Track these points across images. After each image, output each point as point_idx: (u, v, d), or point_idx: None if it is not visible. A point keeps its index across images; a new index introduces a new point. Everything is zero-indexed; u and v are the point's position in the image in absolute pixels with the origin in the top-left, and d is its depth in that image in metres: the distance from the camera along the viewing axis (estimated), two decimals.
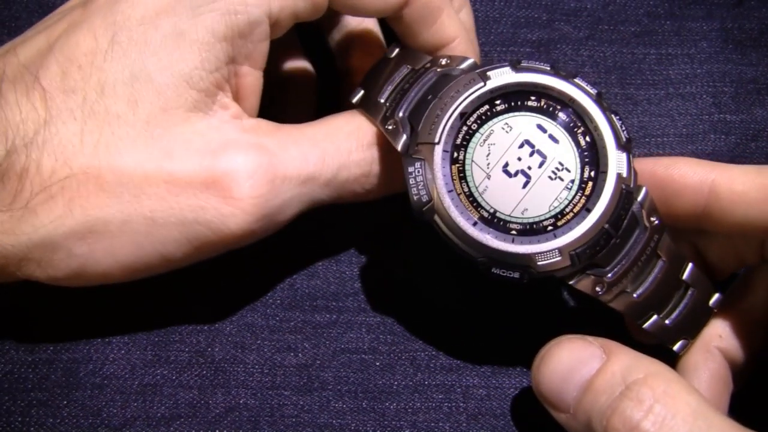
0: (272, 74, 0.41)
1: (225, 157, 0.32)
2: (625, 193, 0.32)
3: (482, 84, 0.33)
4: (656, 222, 0.33)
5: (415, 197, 0.33)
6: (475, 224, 0.33)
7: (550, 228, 0.33)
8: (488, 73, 0.33)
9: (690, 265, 0.34)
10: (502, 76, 0.33)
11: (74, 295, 0.37)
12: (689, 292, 0.35)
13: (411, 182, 0.33)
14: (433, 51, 0.37)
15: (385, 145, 0.35)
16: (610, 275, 0.33)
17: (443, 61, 0.35)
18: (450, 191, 0.33)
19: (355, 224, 0.40)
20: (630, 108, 0.43)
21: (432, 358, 0.38)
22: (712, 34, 0.45)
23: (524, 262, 0.32)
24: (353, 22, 0.41)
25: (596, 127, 0.33)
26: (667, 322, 0.34)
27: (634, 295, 0.34)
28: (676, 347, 0.35)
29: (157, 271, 0.33)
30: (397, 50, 0.37)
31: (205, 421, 0.36)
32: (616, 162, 0.32)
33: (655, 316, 0.34)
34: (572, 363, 0.32)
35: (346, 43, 0.41)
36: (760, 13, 0.45)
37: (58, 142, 0.31)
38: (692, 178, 0.33)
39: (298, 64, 0.42)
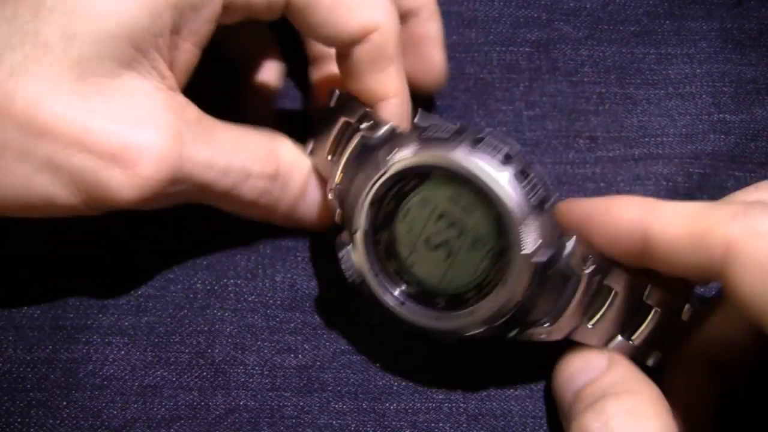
0: (239, 61, 0.42)
1: (141, 129, 0.31)
2: (535, 264, 0.31)
3: (384, 171, 0.32)
4: (591, 268, 0.32)
5: (348, 279, 0.34)
6: (402, 304, 0.34)
7: (471, 300, 0.33)
8: (389, 158, 0.32)
9: (648, 287, 0.33)
10: (401, 162, 0.32)
11: (74, 295, 0.38)
12: (653, 312, 0.33)
13: (342, 266, 0.34)
14: (370, 101, 0.36)
15: (284, 183, 0.36)
16: (547, 324, 0.32)
17: (364, 125, 0.35)
18: (376, 275, 0.34)
19: None
20: (629, 108, 0.43)
21: (432, 359, 0.38)
22: (712, 33, 0.45)
23: (453, 333, 0.33)
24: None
25: (495, 201, 0.31)
26: (633, 341, 0.33)
27: (589, 326, 0.33)
28: (649, 363, 0.34)
29: (43, 213, 0.33)
30: (335, 98, 0.37)
31: (206, 422, 0.36)
32: (519, 236, 0.31)
33: (619, 338, 0.33)
34: (575, 370, 0.33)
35: (316, 54, 0.42)
36: (759, 13, 0.45)
37: None
38: (627, 223, 0.30)
39: (267, 56, 0.42)
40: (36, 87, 0.30)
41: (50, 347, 0.37)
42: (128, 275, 0.38)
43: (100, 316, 0.37)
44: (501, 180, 0.31)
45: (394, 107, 0.36)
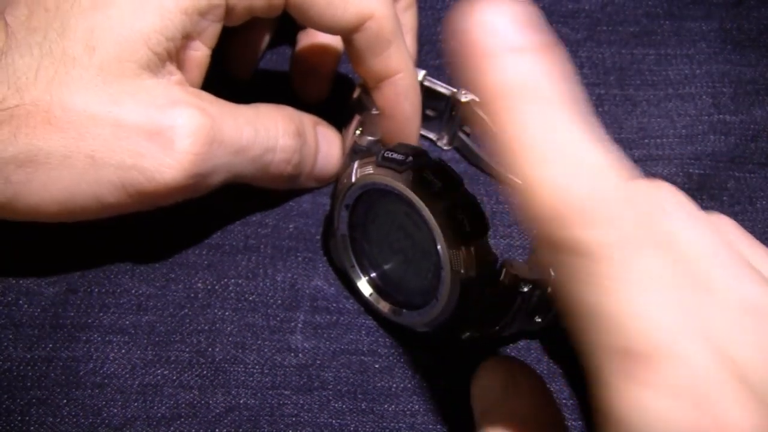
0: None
1: (171, 112, 0.34)
2: (465, 286, 0.33)
3: (352, 182, 0.36)
4: (526, 289, 0.34)
5: (337, 264, 0.39)
6: (371, 294, 0.38)
7: (420, 304, 0.36)
8: (358, 171, 0.35)
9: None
10: (362, 176, 0.35)
11: (74, 294, 0.38)
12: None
13: (332, 254, 0.39)
14: (378, 80, 0.38)
15: (310, 138, 0.39)
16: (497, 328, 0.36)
17: (357, 132, 0.38)
18: (353, 266, 0.38)
19: None
20: (629, 109, 0.44)
21: (431, 361, 0.38)
22: (711, 34, 0.45)
23: (410, 328, 0.37)
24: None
25: (429, 228, 0.33)
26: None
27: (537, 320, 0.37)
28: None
29: (89, 214, 0.35)
30: (355, 95, 0.40)
31: (206, 421, 0.36)
32: (447, 260, 0.33)
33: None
34: (479, 393, 0.33)
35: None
36: (759, 13, 0.45)
37: (12, 71, 0.33)
38: None
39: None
40: (69, 95, 0.33)
41: (50, 345, 0.36)
42: (129, 274, 0.38)
43: (101, 314, 0.37)
44: (433, 210, 0.33)
45: (399, 84, 0.38)
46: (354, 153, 0.37)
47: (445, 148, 0.44)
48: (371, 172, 0.35)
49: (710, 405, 0.22)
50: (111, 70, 0.33)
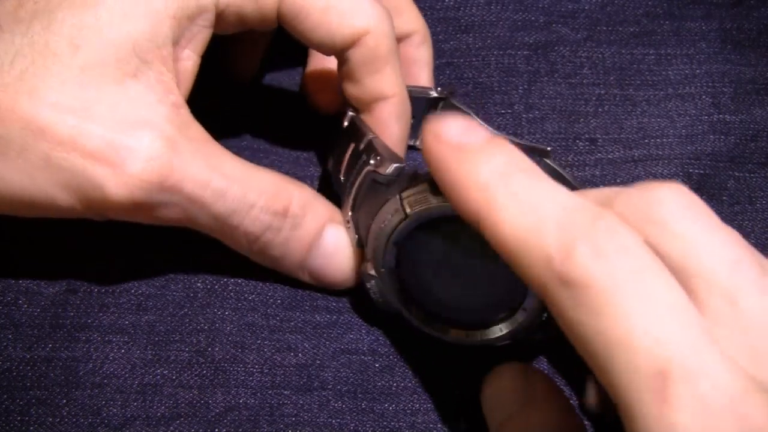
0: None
1: (135, 132, 0.32)
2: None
3: (404, 217, 0.33)
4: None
5: (379, 306, 0.37)
6: (431, 325, 0.36)
7: (496, 321, 0.35)
8: (408, 203, 0.33)
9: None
10: (422, 210, 0.33)
11: (74, 293, 0.38)
12: None
13: (371, 294, 0.37)
14: (371, 101, 0.37)
15: (295, 223, 0.36)
16: None
17: (372, 162, 0.35)
18: (405, 302, 0.36)
19: None
20: (629, 109, 0.44)
21: (431, 360, 0.38)
22: (711, 34, 0.45)
23: (480, 344, 0.36)
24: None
25: None
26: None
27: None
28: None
29: (45, 212, 0.34)
30: (346, 122, 0.38)
31: (205, 420, 0.36)
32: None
33: None
34: (496, 399, 0.33)
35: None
36: (759, 13, 0.45)
37: None
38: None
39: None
40: (40, 90, 0.32)
41: (50, 345, 0.36)
42: (129, 274, 0.38)
43: (100, 314, 0.37)
44: None
45: (392, 106, 0.37)
46: (374, 186, 0.35)
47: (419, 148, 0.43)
48: (432, 202, 0.33)
49: (739, 417, 0.22)
50: (93, 73, 0.32)
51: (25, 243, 0.39)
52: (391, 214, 0.34)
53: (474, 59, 0.45)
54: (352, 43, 0.35)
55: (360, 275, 0.37)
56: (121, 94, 0.33)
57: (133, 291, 0.38)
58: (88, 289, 0.38)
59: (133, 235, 0.39)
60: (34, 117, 0.32)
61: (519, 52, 0.45)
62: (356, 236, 0.37)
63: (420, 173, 0.34)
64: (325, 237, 0.37)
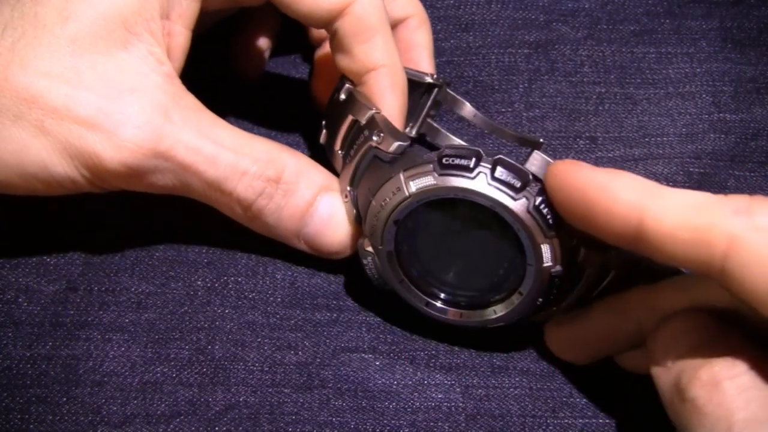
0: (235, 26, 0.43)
1: (126, 101, 0.33)
2: (552, 274, 0.33)
3: (407, 195, 0.33)
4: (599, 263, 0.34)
5: (375, 283, 0.37)
6: (427, 304, 0.36)
7: (493, 302, 0.35)
8: (411, 183, 0.33)
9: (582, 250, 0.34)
10: (423, 185, 0.33)
11: (74, 292, 0.38)
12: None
13: (367, 272, 0.37)
14: (363, 71, 0.37)
15: (288, 190, 0.36)
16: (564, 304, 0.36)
17: (375, 138, 0.35)
18: (401, 281, 0.36)
19: None
20: (629, 107, 0.44)
21: (431, 358, 0.38)
22: (712, 33, 0.45)
23: (477, 324, 0.36)
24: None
25: (517, 228, 0.33)
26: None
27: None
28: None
29: (37, 185, 0.34)
30: (343, 94, 0.38)
31: (205, 418, 0.36)
32: (541, 254, 0.33)
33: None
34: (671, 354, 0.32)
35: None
36: (759, 12, 0.45)
37: None
38: (623, 206, 0.30)
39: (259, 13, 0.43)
40: (32, 60, 0.33)
41: (50, 344, 0.36)
42: (128, 272, 0.38)
43: (101, 312, 0.37)
44: (519, 209, 0.32)
45: (385, 77, 0.37)
46: (376, 163, 0.35)
47: (413, 135, 0.43)
48: (433, 182, 0.33)
49: None
50: (82, 44, 0.33)
51: (25, 242, 0.39)
52: (393, 193, 0.34)
53: (474, 58, 0.45)
54: (339, 13, 0.35)
55: (357, 251, 0.37)
56: (111, 64, 0.33)
57: (133, 289, 0.38)
58: (88, 288, 0.38)
59: (133, 234, 0.39)
60: (27, 86, 0.32)
61: (519, 51, 0.45)
62: (354, 211, 0.37)
63: (422, 152, 0.34)
64: (319, 205, 0.37)
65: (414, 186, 0.33)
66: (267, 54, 0.44)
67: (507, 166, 0.32)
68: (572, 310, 0.36)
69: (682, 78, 0.44)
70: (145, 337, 0.37)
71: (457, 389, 0.37)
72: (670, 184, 0.41)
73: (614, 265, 0.34)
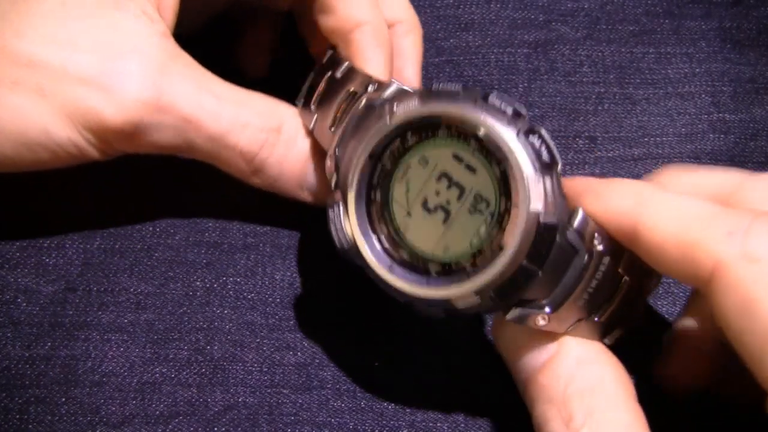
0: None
1: (124, 58, 0.33)
2: (544, 225, 0.29)
3: (387, 122, 0.31)
4: (600, 248, 0.30)
5: (337, 244, 0.32)
6: (390, 268, 0.32)
7: (467, 267, 0.30)
8: (395, 108, 0.31)
9: (627, 253, 0.31)
10: (406, 111, 0.31)
11: (73, 292, 0.38)
12: (624, 286, 0.31)
13: (331, 228, 0.32)
14: (347, 31, 0.36)
15: (290, 140, 0.36)
16: (548, 309, 0.30)
17: (371, 87, 0.34)
18: (366, 235, 0.32)
19: None
20: (629, 107, 0.44)
21: (431, 358, 0.38)
22: (711, 33, 0.45)
23: (443, 304, 0.31)
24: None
25: (503, 157, 0.29)
26: (596, 319, 0.31)
27: (596, 319, 0.31)
28: (607, 341, 0.32)
29: (44, 154, 0.34)
30: (325, 59, 0.37)
31: (204, 419, 0.36)
32: (529, 192, 0.29)
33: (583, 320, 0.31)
34: (523, 345, 0.31)
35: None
36: (758, 12, 0.45)
37: None
38: (618, 212, 0.29)
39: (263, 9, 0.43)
40: (26, 26, 0.33)
41: (49, 344, 0.36)
42: (127, 273, 0.38)
43: (99, 313, 0.37)
44: (509, 134, 0.29)
45: (368, 34, 0.37)
46: (367, 113, 0.33)
47: None
48: (415, 106, 0.30)
49: None
50: (73, 6, 0.33)
51: (25, 242, 0.39)
52: (373, 124, 0.32)
53: (474, 57, 0.45)
54: None
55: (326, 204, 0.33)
56: (104, 25, 0.34)
57: (132, 289, 0.38)
58: (87, 288, 0.38)
59: (132, 234, 0.39)
60: (24, 51, 0.33)
61: (519, 50, 0.45)
62: (334, 174, 0.33)
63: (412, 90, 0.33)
64: (317, 159, 0.37)
65: (396, 112, 0.31)
66: (269, 51, 0.44)
67: (498, 94, 0.30)
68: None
69: (681, 78, 0.44)
70: (144, 338, 0.37)
71: (457, 389, 0.37)
72: None
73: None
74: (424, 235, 0.32)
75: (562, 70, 0.45)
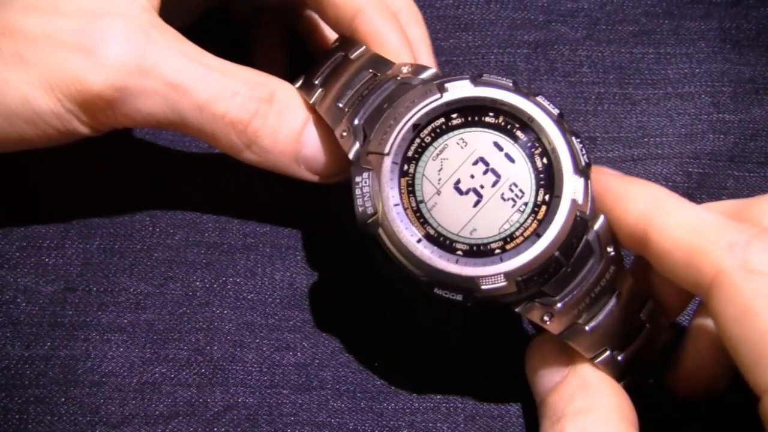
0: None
1: (105, 18, 0.33)
2: (580, 220, 0.31)
3: (438, 96, 0.32)
4: (612, 253, 0.32)
5: (360, 208, 0.32)
6: (419, 241, 0.31)
7: (497, 251, 0.31)
8: (446, 85, 0.32)
9: (649, 302, 0.33)
10: (459, 89, 0.32)
11: (73, 292, 0.38)
12: (644, 331, 0.33)
13: (357, 192, 0.32)
14: (350, 17, 0.36)
15: (281, 111, 0.35)
16: (559, 305, 0.31)
17: (405, 69, 0.34)
18: (396, 205, 0.32)
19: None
20: (628, 108, 0.44)
21: (431, 358, 0.38)
22: (710, 33, 0.45)
23: (467, 284, 0.31)
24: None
25: (554, 149, 0.31)
26: (619, 358, 0.33)
27: (586, 328, 0.32)
28: (622, 383, 0.33)
29: (25, 126, 0.33)
30: (360, 51, 0.36)
31: (204, 419, 0.36)
32: (572, 187, 0.31)
33: (608, 352, 0.32)
34: (540, 368, 0.33)
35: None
36: (758, 12, 0.45)
37: None
38: (633, 215, 0.30)
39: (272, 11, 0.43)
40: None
41: (48, 344, 0.36)
42: (127, 273, 0.38)
43: (99, 313, 0.37)
44: (558, 131, 0.32)
45: (372, 14, 0.36)
46: (400, 91, 0.33)
47: None
48: (469, 87, 0.32)
49: None
50: None
51: (24, 242, 0.39)
52: (420, 96, 0.32)
53: (474, 57, 0.45)
54: None
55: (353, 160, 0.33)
56: None
57: (131, 290, 0.38)
58: (87, 288, 0.38)
59: (131, 234, 0.39)
60: (4, 21, 0.32)
61: (518, 51, 0.45)
62: (357, 143, 0.33)
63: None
64: (312, 131, 0.36)
65: (447, 89, 0.32)
66: (282, 57, 0.44)
67: (547, 97, 0.32)
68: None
69: (681, 78, 0.44)
70: (144, 338, 0.37)
71: (456, 390, 0.37)
72: (669, 184, 0.41)
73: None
74: (452, 215, 0.32)
75: (562, 70, 0.45)
